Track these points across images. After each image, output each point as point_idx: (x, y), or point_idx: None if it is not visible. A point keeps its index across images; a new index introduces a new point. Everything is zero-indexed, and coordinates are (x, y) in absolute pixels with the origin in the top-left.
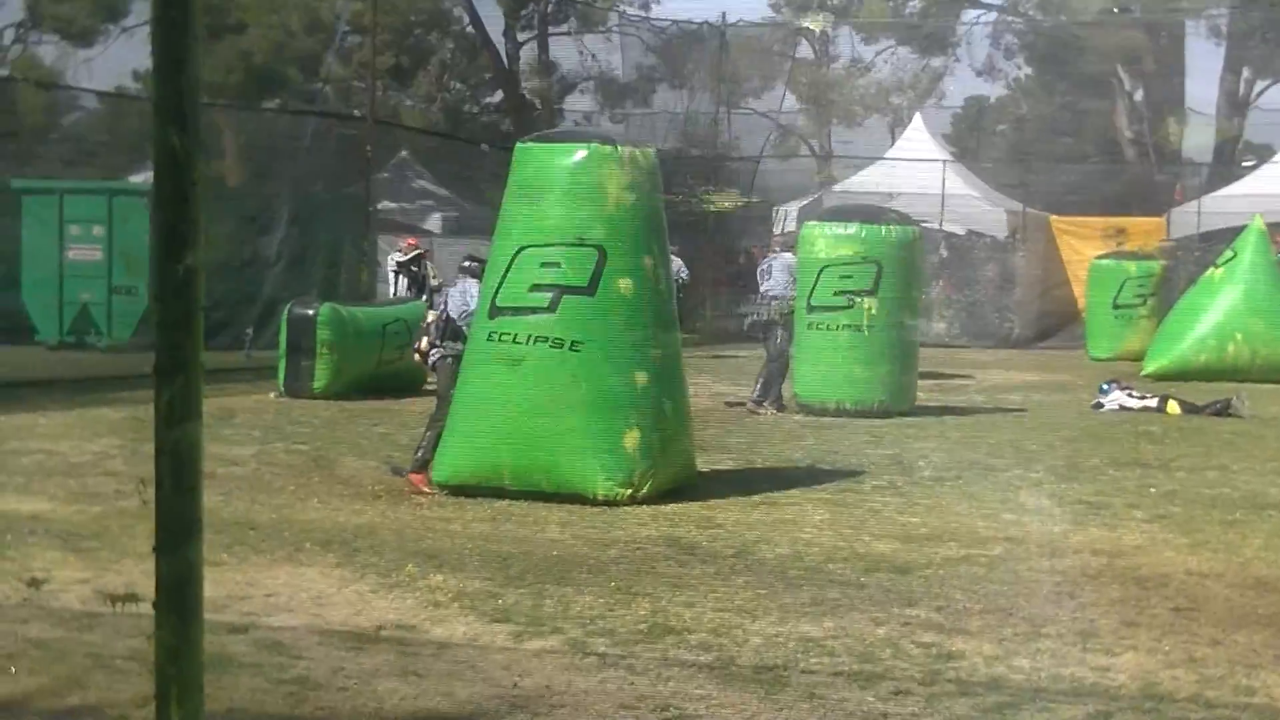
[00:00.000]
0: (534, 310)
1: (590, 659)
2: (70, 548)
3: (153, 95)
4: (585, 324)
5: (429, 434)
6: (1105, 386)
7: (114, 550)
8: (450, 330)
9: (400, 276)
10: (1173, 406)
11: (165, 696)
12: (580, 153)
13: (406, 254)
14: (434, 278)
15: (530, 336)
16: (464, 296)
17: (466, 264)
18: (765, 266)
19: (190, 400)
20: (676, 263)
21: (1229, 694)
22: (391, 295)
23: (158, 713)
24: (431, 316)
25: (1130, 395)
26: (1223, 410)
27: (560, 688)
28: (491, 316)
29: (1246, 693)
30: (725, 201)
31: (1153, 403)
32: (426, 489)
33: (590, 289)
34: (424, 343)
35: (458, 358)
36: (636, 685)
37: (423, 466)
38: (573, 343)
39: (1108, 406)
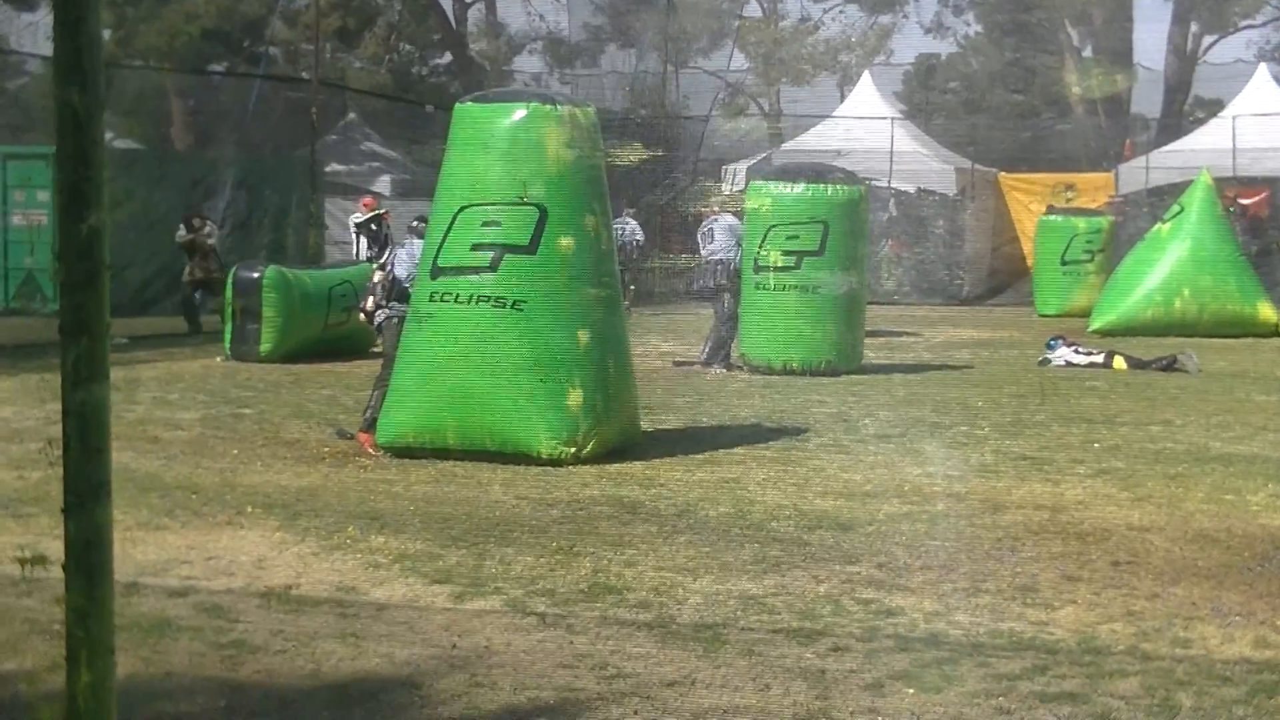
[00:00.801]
0: (475, 269)
1: (530, 619)
2: (10, 513)
3: (53, 53)
4: (527, 283)
5: (375, 394)
6: (1052, 343)
7: (54, 516)
8: (397, 291)
9: (360, 236)
10: (1119, 362)
11: (75, 659)
12: (519, 111)
13: (364, 215)
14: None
15: (472, 296)
16: (411, 258)
17: (414, 224)
18: (707, 229)
19: (96, 361)
20: (632, 225)
21: (1166, 646)
22: (354, 256)
23: (67, 675)
24: (378, 277)
25: (1077, 352)
26: (1169, 365)
27: (499, 648)
28: (433, 277)
29: (1183, 644)
30: (630, 156)
31: (1099, 359)
32: (373, 449)
33: (531, 247)
34: (369, 303)
35: (404, 319)
36: (575, 644)
37: (370, 426)
38: (514, 302)
39: (1055, 363)
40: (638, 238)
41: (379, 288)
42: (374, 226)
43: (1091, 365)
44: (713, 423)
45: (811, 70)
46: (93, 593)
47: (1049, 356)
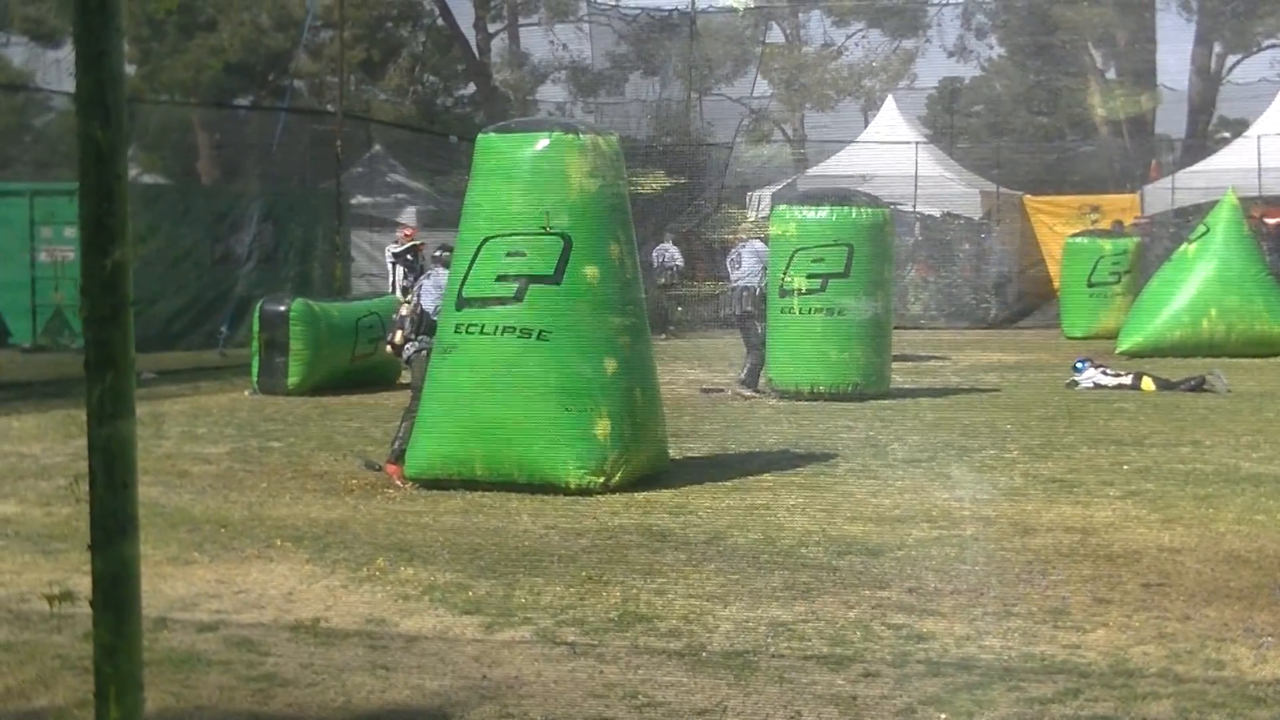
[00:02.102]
0: (501, 300)
1: (560, 649)
2: (40, 550)
3: (75, 88)
4: (552, 313)
5: (404, 425)
6: (1080, 365)
7: (82, 553)
8: (425, 324)
9: (397, 266)
10: (1148, 383)
11: (103, 695)
12: (542, 141)
13: (402, 244)
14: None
15: (498, 327)
16: (438, 289)
17: (439, 253)
18: (735, 255)
19: (121, 396)
20: (673, 250)
21: (1198, 668)
22: (389, 285)
23: (96, 711)
24: (405, 310)
25: (1104, 373)
26: (1198, 386)
27: (530, 678)
28: (459, 308)
29: (1216, 666)
30: (652, 184)
31: (1127, 380)
32: (401, 481)
33: (556, 277)
34: (398, 336)
35: (429, 351)
36: (606, 673)
37: (399, 458)
38: (540, 332)
39: (1082, 385)
40: (678, 263)
41: (407, 321)
42: (410, 257)
43: (1120, 387)
44: (741, 449)
45: (835, 95)
46: (121, 628)
47: (1077, 379)
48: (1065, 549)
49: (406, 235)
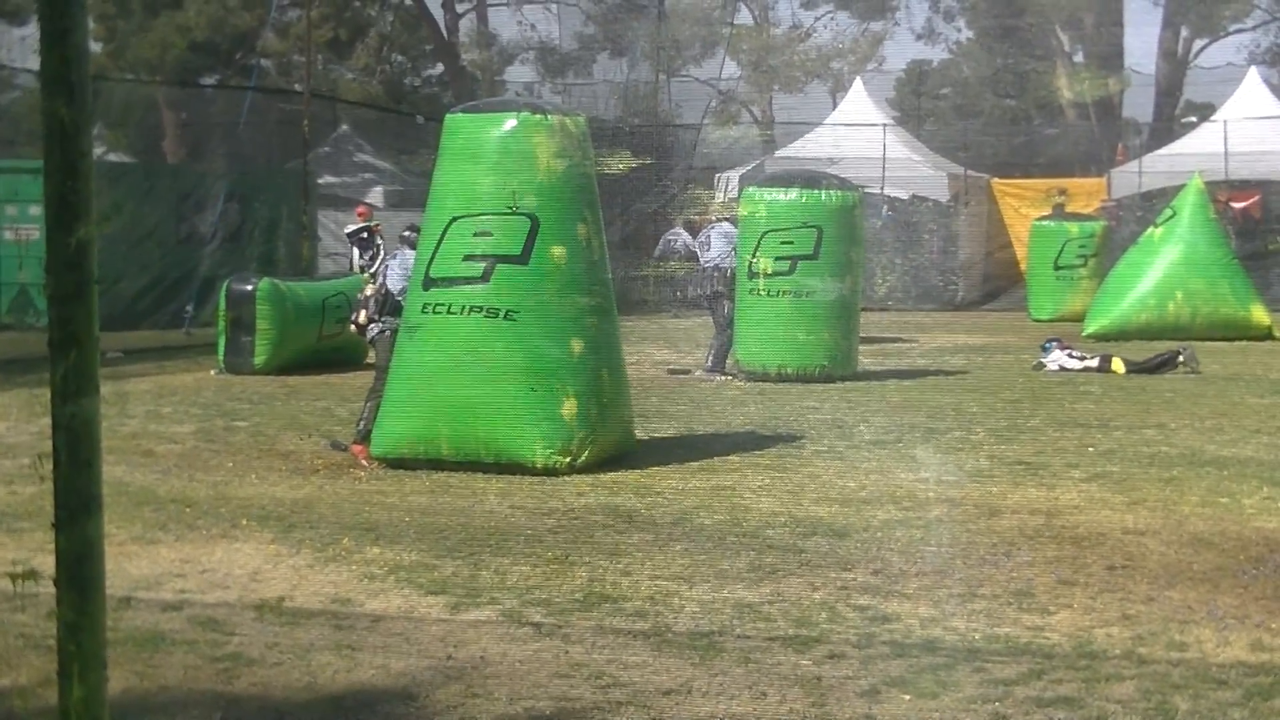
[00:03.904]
0: (468, 280)
1: (526, 629)
2: (2, 528)
3: (40, 65)
4: (519, 293)
5: (369, 405)
6: (1047, 345)
7: (47, 531)
8: (390, 304)
9: (354, 246)
10: (1118, 364)
11: (67, 673)
12: (510, 122)
13: (356, 224)
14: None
15: (465, 307)
16: (403, 269)
17: (405, 233)
18: (704, 237)
19: (85, 374)
20: (684, 236)
21: (1161, 650)
22: (349, 265)
23: (60, 690)
24: (370, 290)
25: (1071, 355)
26: (1170, 362)
27: (495, 658)
28: (426, 287)
29: (1179, 648)
30: (619, 164)
31: (1094, 362)
32: (366, 461)
33: (524, 258)
34: (362, 316)
35: (397, 331)
36: (571, 654)
37: (364, 438)
38: (507, 312)
39: (1049, 367)
40: (692, 249)
41: (371, 301)
42: (364, 235)
43: (1086, 369)
44: (707, 430)
45: (803, 78)
46: (84, 607)
47: (1043, 360)
48: (1030, 531)
49: (361, 214)
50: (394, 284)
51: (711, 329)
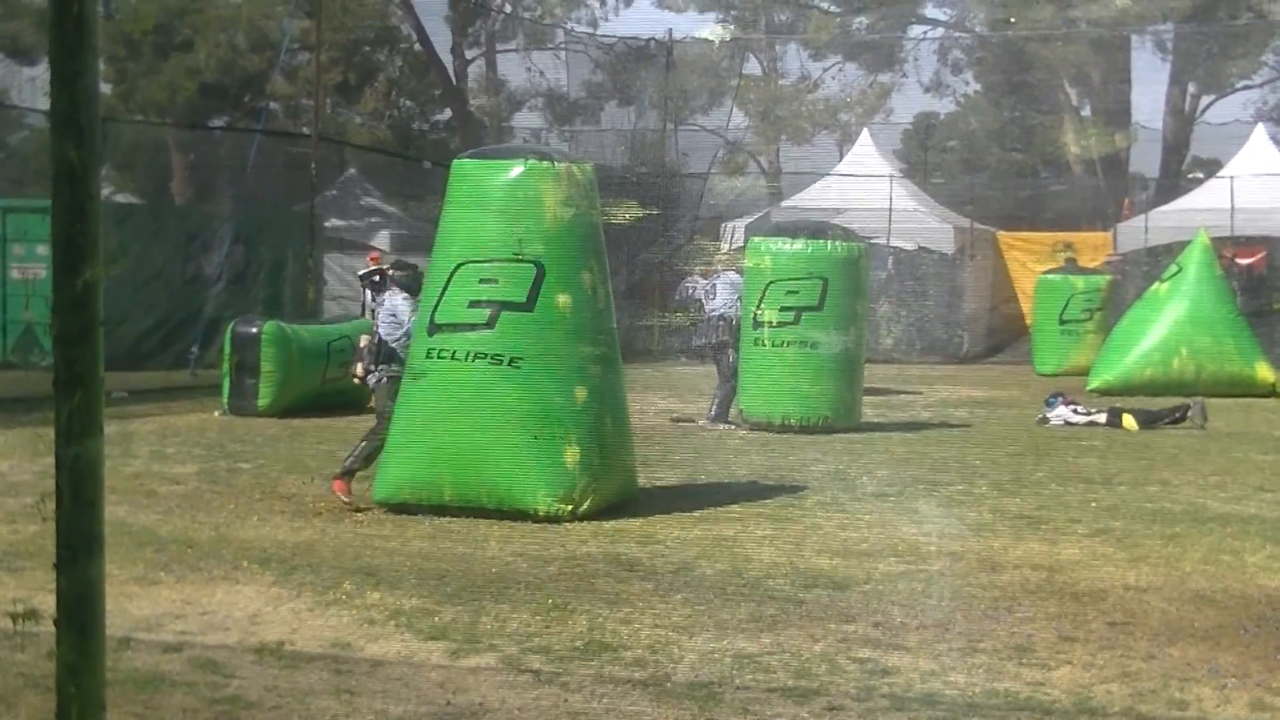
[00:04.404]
0: (473, 326)
1: (525, 676)
2: (4, 567)
3: (50, 107)
4: (524, 340)
5: (362, 445)
6: (1051, 400)
7: (48, 571)
8: (385, 352)
9: (365, 289)
10: (1129, 422)
11: (65, 714)
12: (516, 168)
13: (369, 269)
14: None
15: (469, 353)
16: (391, 316)
17: (393, 272)
18: (710, 285)
19: (90, 415)
20: (702, 284)
21: (1162, 708)
22: (361, 308)
23: None
24: (364, 341)
25: (1075, 411)
26: (1181, 417)
27: (494, 705)
28: (431, 333)
29: (1179, 706)
30: (626, 213)
31: (1100, 418)
32: (347, 498)
33: (529, 304)
34: (359, 368)
35: (395, 378)
36: (570, 702)
37: (347, 474)
38: (512, 359)
39: (1053, 422)
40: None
41: (366, 352)
42: (376, 279)
43: (1091, 424)
44: (710, 480)
45: (810, 128)
46: (84, 647)
47: (1048, 415)
48: (1032, 586)
49: (373, 259)
50: (385, 331)
51: (715, 378)
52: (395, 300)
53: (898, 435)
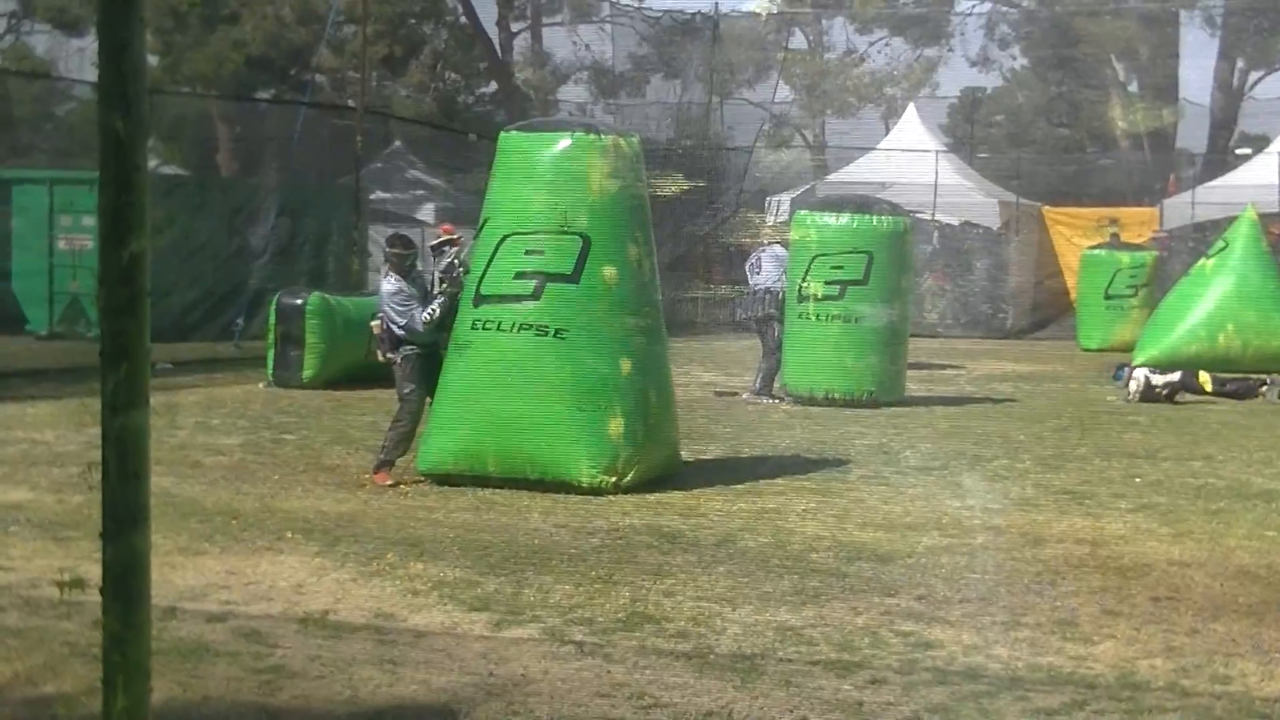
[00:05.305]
0: (518, 298)
1: (567, 647)
2: (50, 536)
3: (97, 79)
4: (569, 312)
5: (391, 434)
6: (1119, 371)
7: (94, 541)
8: (394, 339)
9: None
10: (1205, 379)
11: (111, 683)
12: (564, 141)
13: (439, 239)
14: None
15: (515, 324)
16: (389, 301)
17: (386, 250)
18: (755, 260)
19: (135, 387)
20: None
21: (1205, 683)
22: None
23: (104, 699)
24: (375, 326)
25: (1154, 372)
26: (1251, 392)
27: (536, 676)
28: (476, 304)
29: (1223, 681)
30: (671, 186)
31: (1175, 376)
32: (390, 484)
33: (574, 276)
34: (379, 355)
35: (411, 357)
36: (613, 673)
37: (384, 466)
38: (557, 330)
39: (1133, 386)
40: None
41: (383, 340)
42: (445, 249)
43: (1168, 384)
44: (753, 453)
45: (856, 102)
46: (129, 617)
47: (1128, 381)
48: (1075, 560)
49: (445, 230)
50: (393, 317)
51: (759, 352)
52: (393, 281)
53: (941, 410)
